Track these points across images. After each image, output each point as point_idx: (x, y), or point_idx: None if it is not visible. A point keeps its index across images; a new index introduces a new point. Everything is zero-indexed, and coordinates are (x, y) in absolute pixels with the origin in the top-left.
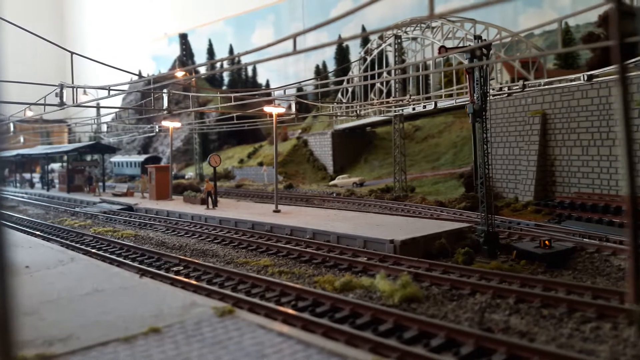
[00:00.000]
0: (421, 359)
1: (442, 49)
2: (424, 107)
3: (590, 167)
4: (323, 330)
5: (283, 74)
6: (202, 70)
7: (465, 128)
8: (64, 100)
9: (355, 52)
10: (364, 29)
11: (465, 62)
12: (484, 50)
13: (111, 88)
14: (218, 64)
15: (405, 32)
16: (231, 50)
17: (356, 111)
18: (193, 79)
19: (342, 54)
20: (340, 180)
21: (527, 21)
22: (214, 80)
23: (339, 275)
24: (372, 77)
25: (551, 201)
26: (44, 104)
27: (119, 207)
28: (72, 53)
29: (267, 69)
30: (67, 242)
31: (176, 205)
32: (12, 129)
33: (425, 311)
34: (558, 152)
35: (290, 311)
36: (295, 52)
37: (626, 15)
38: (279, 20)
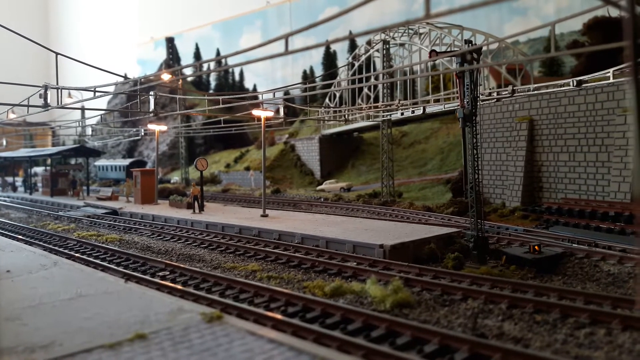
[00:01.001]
0: None
1: (433, 52)
2: (413, 112)
3: (577, 173)
4: (314, 336)
5: (270, 79)
6: (189, 71)
7: (452, 134)
8: (48, 101)
9: (342, 58)
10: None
11: (454, 67)
12: (475, 55)
13: (97, 89)
14: (205, 66)
15: (393, 37)
16: (218, 55)
17: (344, 116)
18: (179, 81)
19: (329, 60)
20: (328, 185)
21: (513, 29)
22: (200, 85)
23: (328, 280)
24: (360, 81)
25: (538, 207)
26: (28, 105)
27: (104, 211)
28: (56, 54)
29: (255, 74)
30: (50, 246)
31: (162, 209)
32: None
33: (418, 317)
34: (545, 158)
35: (280, 317)
36: (286, 52)
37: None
38: (266, 26)
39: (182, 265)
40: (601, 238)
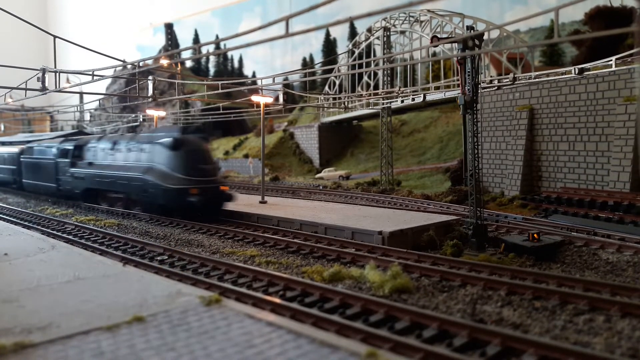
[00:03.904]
0: (414, 349)
1: (434, 38)
2: (413, 99)
3: (577, 163)
4: (313, 320)
5: (270, 66)
6: (187, 55)
7: (452, 123)
8: (46, 85)
9: (342, 45)
10: (351, 24)
11: (455, 54)
12: (476, 41)
13: (95, 73)
14: (204, 50)
15: (394, 25)
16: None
17: (344, 103)
18: (178, 66)
19: (329, 47)
20: (327, 173)
21: (514, 18)
22: (199, 72)
23: (327, 265)
24: (360, 67)
25: (537, 196)
26: (25, 89)
27: None
28: (54, 37)
29: (254, 61)
30: (48, 230)
31: None
32: None
33: (416, 302)
34: (544, 147)
35: (279, 301)
36: (287, 34)
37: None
38: (265, 12)
39: (180, 250)
40: (600, 227)
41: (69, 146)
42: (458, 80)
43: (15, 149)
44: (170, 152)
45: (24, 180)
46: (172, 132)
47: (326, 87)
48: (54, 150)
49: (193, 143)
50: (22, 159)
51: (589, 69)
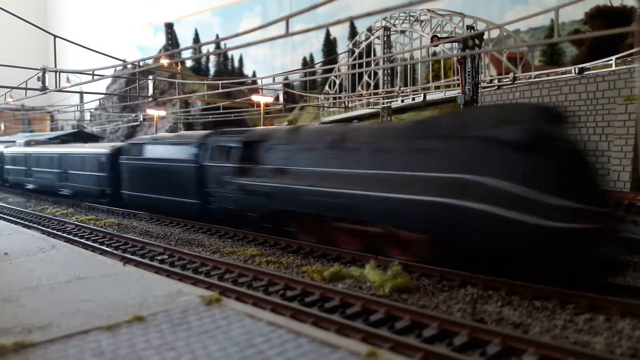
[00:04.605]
0: (414, 349)
1: (435, 38)
2: (413, 99)
3: None
4: (313, 319)
5: (270, 66)
6: (188, 56)
7: None
8: (47, 85)
9: (343, 45)
10: (351, 23)
11: (456, 54)
12: (476, 41)
13: (95, 72)
14: (204, 49)
15: (394, 25)
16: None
17: (344, 103)
18: (179, 66)
19: (329, 47)
20: None
21: (514, 18)
22: (199, 71)
23: (327, 265)
24: (360, 67)
25: None
26: (26, 88)
27: None
28: (55, 36)
29: (254, 60)
30: (49, 229)
31: None
32: None
33: (417, 302)
34: None
35: (279, 300)
36: (287, 34)
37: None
38: (266, 12)
39: (180, 250)
40: None
41: (234, 143)
42: (458, 79)
43: (101, 149)
44: (530, 156)
45: (124, 192)
46: (516, 115)
47: (326, 87)
48: (191, 149)
49: (566, 136)
50: (122, 162)
51: (589, 69)
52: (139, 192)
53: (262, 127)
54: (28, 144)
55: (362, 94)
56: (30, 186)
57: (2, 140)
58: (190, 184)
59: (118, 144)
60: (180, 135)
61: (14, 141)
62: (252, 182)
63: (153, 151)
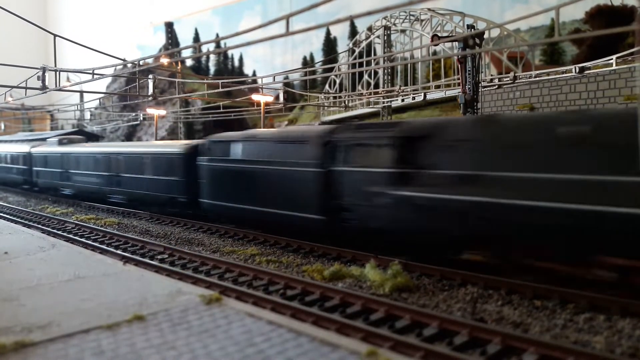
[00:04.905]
0: (414, 348)
1: (435, 37)
2: (413, 98)
3: None
4: (313, 319)
5: (270, 65)
6: (188, 53)
7: None
8: (47, 84)
9: (343, 44)
10: (352, 22)
11: (456, 53)
12: (477, 40)
13: (95, 72)
14: (204, 49)
15: (394, 24)
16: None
17: (344, 102)
18: (179, 65)
19: (329, 46)
20: None
21: (514, 17)
22: (199, 70)
23: (327, 264)
24: (360, 66)
25: None
26: (25, 87)
27: None
28: (55, 35)
29: (254, 60)
30: (49, 229)
31: None
32: None
33: (417, 301)
34: None
35: (279, 300)
36: (287, 33)
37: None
38: (266, 11)
39: (180, 249)
40: None
41: (384, 140)
42: (458, 79)
43: (170, 148)
44: None
45: (205, 201)
46: None
47: (326, 86)
48: (311, 148)
49: None
50: (201, 164)
51: (589, 68)
52: (228, 202)
53: (422, 118)
54: (61, 142)
55: (362, 93)
56: (67, 191)
57: (29, 139)
58: (311, 194)
59: (192, 141)
60: (288, 131)
61: (44, 139)
62: (418, 194)
63: (247, 151)
